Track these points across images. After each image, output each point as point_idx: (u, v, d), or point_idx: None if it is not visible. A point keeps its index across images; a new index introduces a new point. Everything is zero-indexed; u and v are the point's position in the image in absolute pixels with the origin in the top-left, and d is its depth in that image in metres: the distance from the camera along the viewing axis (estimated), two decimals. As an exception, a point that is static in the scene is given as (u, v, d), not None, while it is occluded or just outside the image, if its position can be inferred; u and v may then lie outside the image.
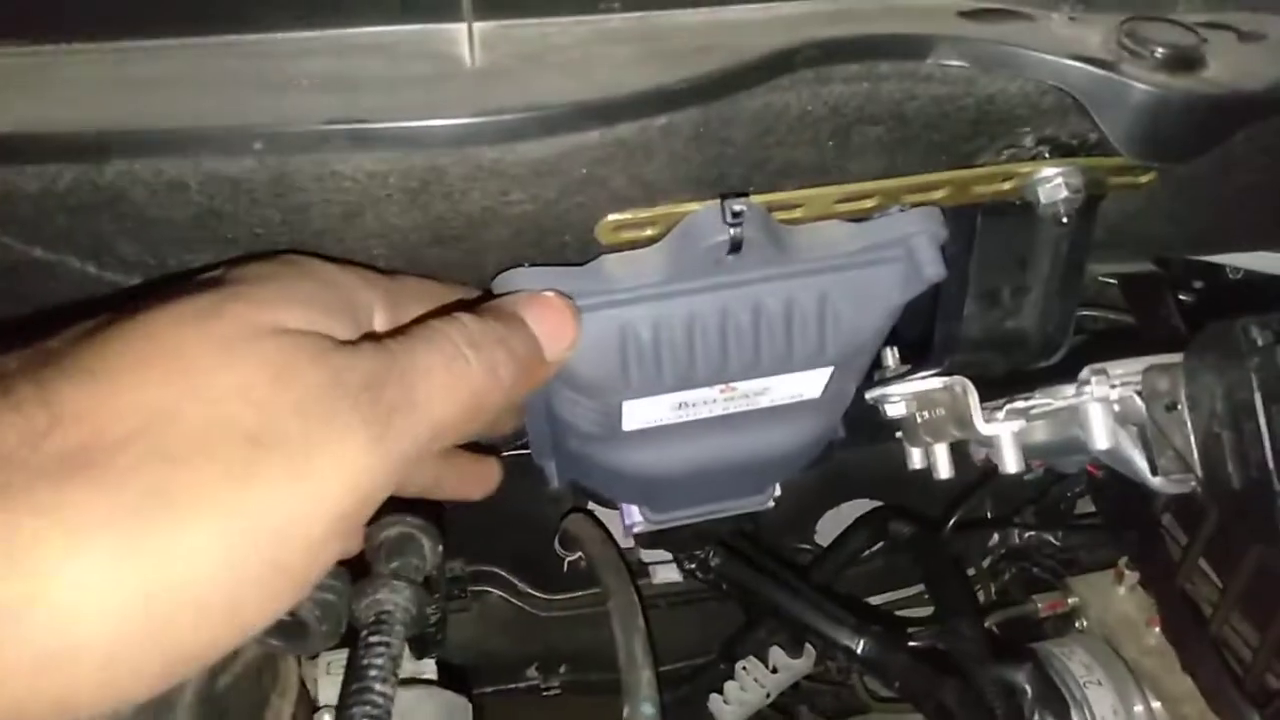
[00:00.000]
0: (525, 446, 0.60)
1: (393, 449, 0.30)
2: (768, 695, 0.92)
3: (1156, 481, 0.44)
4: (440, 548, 0.46)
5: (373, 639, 0.40)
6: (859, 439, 0.87)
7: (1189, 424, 0.43)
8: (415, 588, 0.43)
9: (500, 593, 0.95)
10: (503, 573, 0.95)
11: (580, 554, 0.84)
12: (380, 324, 0.35)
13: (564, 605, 0.95)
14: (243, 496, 0.26)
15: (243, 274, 0.32)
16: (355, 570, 0.46)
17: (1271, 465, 0.38)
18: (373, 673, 0.39)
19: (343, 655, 0.51)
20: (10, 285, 0.36)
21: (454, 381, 0.32)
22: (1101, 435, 0.45)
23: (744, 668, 0.92)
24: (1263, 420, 0.38)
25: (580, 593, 0.94)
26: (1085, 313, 0.68)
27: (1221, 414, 0.41)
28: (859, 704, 1.04)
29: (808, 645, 0.93)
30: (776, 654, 0.92)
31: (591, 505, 0.81)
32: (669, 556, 0.88)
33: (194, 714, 0.38)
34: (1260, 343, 0.38)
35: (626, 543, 0.79)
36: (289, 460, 0.27)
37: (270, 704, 0.43)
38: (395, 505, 0.49)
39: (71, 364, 0.27)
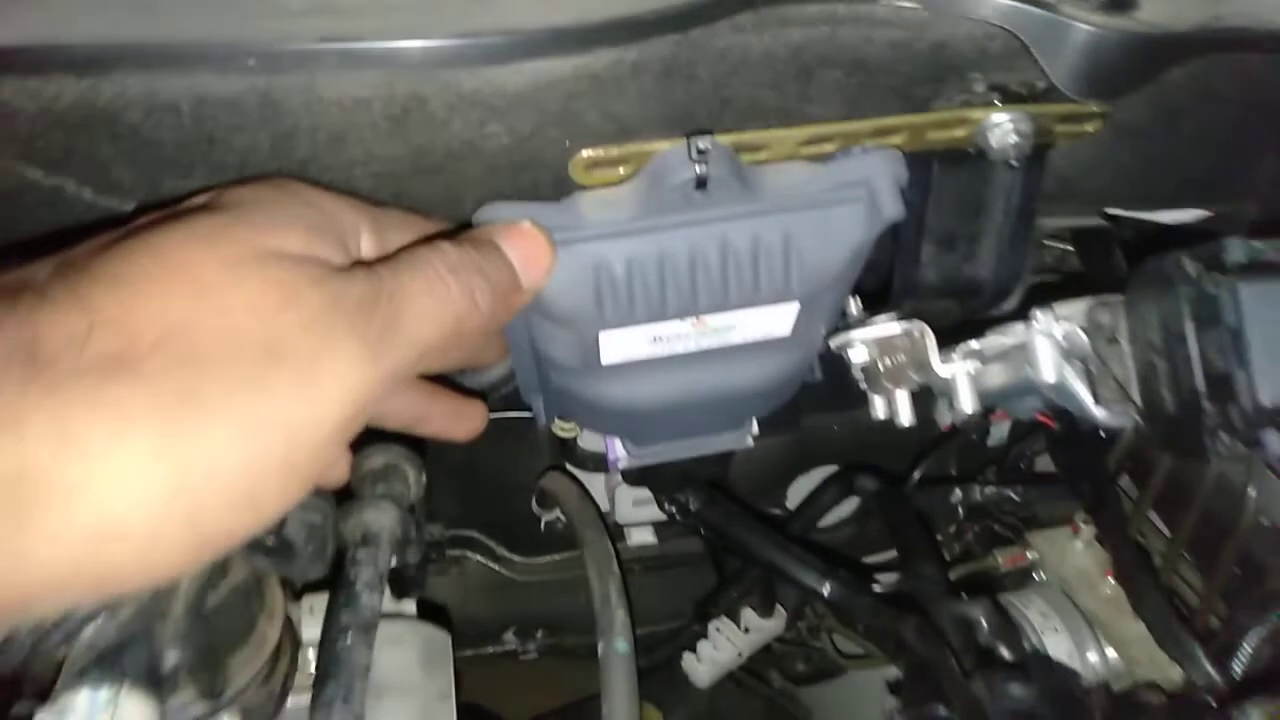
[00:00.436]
0: (508, 406, 0.62)
1: (384, 365, 0.32)
2: (740, 654, 0.95)
3: (1099, 412, 0.47)
4: (423, 477, 0.48)
5: (360, 554, 0.42)
6: (830, 405, 0.90)
7: (1128, 354, 0.45)
8: (401, 510, 0.45)
9: (478, 557, 0.97)
10: (480, 537, 0.96)
11: (558, 513, 0.86)
12: (367, 250, 0.37)
13: (541, 569, 0.97)
14: (260, 401, 0.29)
15: (241, 198, 0.33)
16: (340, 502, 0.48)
17: (1201, 387, 0.41)
18: (359, 584, 0.40)
19: (325, 597, 0.53)
20: (9, 211, 0.38)
21: (436, 305, 0.35)
22: (1048, 368, 0.47)
23: (717, 628, 0.94)
24: (1193, 345, 0.41)
25: (558, 556, 0.96)
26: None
27: (1157, 343, 0.43)
28: (829, 666, 1.07)
29: (778, 607, 0.96)
30: (748, 615, 0.95)
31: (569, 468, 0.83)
32: (646, 519, 0.90)
33: (183, 628, 0.40)
34: (1191, 273, 0.41)
35: (614, 480, 0.81)
36: (297, 372, 0.30)
37: (257, 626, 0.45)
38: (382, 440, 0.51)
39: (101, 272, 0.29)
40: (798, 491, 0.99)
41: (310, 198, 0.35)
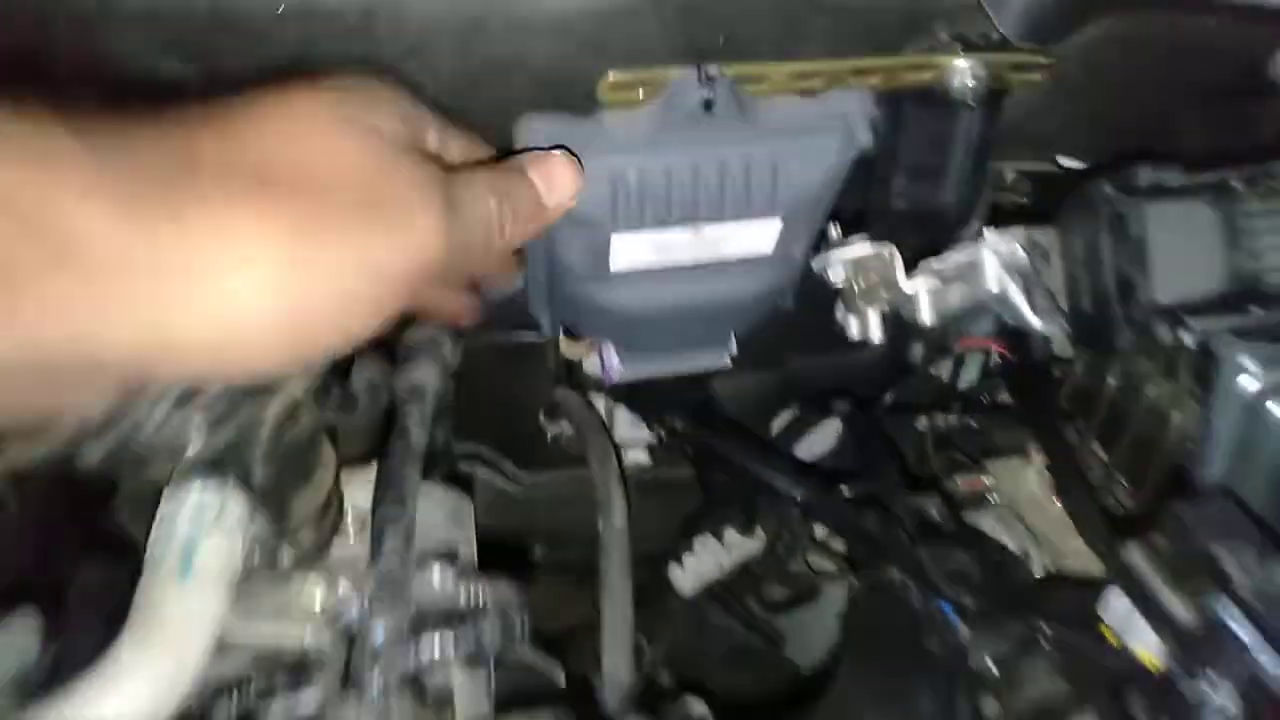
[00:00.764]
0: (517, 325, 0.69)
1: (454, 232, 0.40)
2: (720, 567, 1.04)
3: (1034, 318, 0.56)
4: (459, 349, 0.57)
5: (410, 403, 0.50)
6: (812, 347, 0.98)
7: (1058, 269, 0.54)
8: (443, 369, 0.53)
9: (485, 471, 1.05)
10: (488, 452, 1.05)
11: (563, 428, 0.94)
12: (433, 148, 0.45)
13: (546, 485, 1.06)
14: (364, 238, 0.36)
15: (352, 83, 0.41)
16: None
17: (1112, 289, 0.50)
18: (411, 423, 0.49)
19: (367, 469, 0.61)
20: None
21: (479, 214, 0.43)
22: (993, 280, 0.56)
23: (701, 543, 1.03)
24: (1108, 255, 0.50)
25: (561, 472, 1.04)
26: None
27: (1080, 256, 0.52)
28: (803, 591, 1.16)
29: (758, 528, 1.05)
30: (730, 534, 1.04)
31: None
32: (640, 440, 0.98)
33: (266, 455, 0.48)
34: (1110, 196, 0.50)
35: (612, 403, 0.90)
36: (394, 220, 0.37)
37: (317, 472, 0.54)
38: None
39: (246, 114, 0.36)
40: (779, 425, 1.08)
41: (401, 95, 0.44)
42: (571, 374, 0.90)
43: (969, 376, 1.00)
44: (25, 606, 0.42)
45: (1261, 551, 0.43)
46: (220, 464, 0.45)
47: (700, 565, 1.04)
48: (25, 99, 0.31)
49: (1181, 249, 0.47)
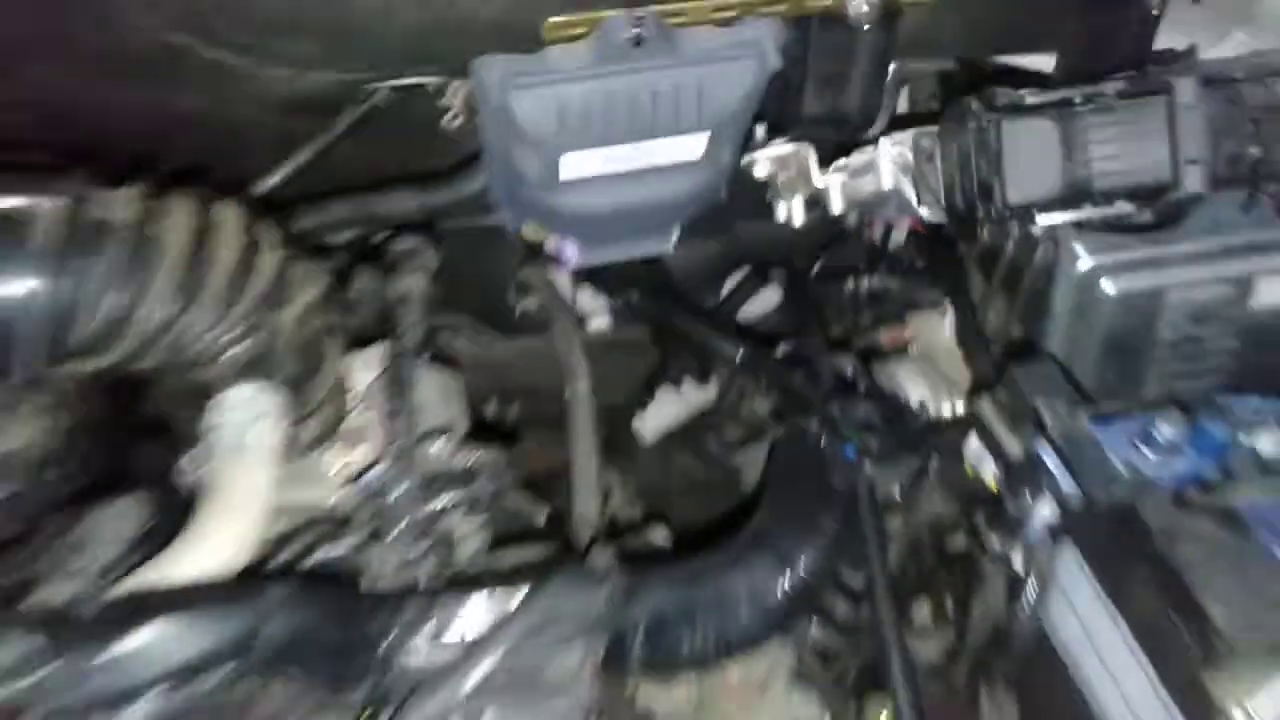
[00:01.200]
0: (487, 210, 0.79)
1: None
2: (678, 416, 1.18)
3: (922, 210, 0.66)
4: (439, 255, 0.67)
5: (402, 307, 0.61)
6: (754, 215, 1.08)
7: (940, 170, 0.64)
8: (428, 276, 0.64)
9: (463, 338, 1.17)
10: (465, 322, 1.16)
11: (531, 301, 1.05)
12: None
13: (515, 349, 1.18)
14: None
15: None
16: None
17: (975, 190, 0.60)
18: (403, 324, 0.60)
19: (367, 354, 0.72)
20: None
21: None
22: (887, 179, 0.66)
23: (661, 394, 1.17)
24: (974, 163, 0.60)
25: (533, 338, 1.16)
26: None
27: (955, 161, 0.62)
28: (753, 432, 1.31)
29: (712, 379, 1.18)
30: (687, 385, 1.17)
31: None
32: (600, 309, 1.10)
33: (289, 352, 0.59)
34: (975, 110, 0.59)
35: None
36: None
37: (326, 363, 0.65)
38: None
39: None
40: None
41: None
42: (533, 253, 1.00)
43: (897, 239, 1.11)
44: (136, 488, 0.53)
45: (1070, 403, 0.56)
46: (257, 363, 0.56)
47: (660, 413, 1.18)
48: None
49: (1029, 158, 0.57)
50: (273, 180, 0.69)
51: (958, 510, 0.74)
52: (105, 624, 0.41)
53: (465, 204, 0.79)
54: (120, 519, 0.50)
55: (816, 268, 1.01)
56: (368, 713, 0.46)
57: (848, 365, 0.82)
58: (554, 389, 0.92)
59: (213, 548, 0.48)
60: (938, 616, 0.74)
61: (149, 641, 0.41)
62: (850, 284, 1.03)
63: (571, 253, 0.80)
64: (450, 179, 0.76)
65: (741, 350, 0.90)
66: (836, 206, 0.72)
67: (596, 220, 0.73)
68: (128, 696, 0.41)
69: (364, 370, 0.69)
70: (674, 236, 0.81)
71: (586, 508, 0.75)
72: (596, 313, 1.13)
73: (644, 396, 1.19)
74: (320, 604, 0.46)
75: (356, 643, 0.47)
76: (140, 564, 0.47)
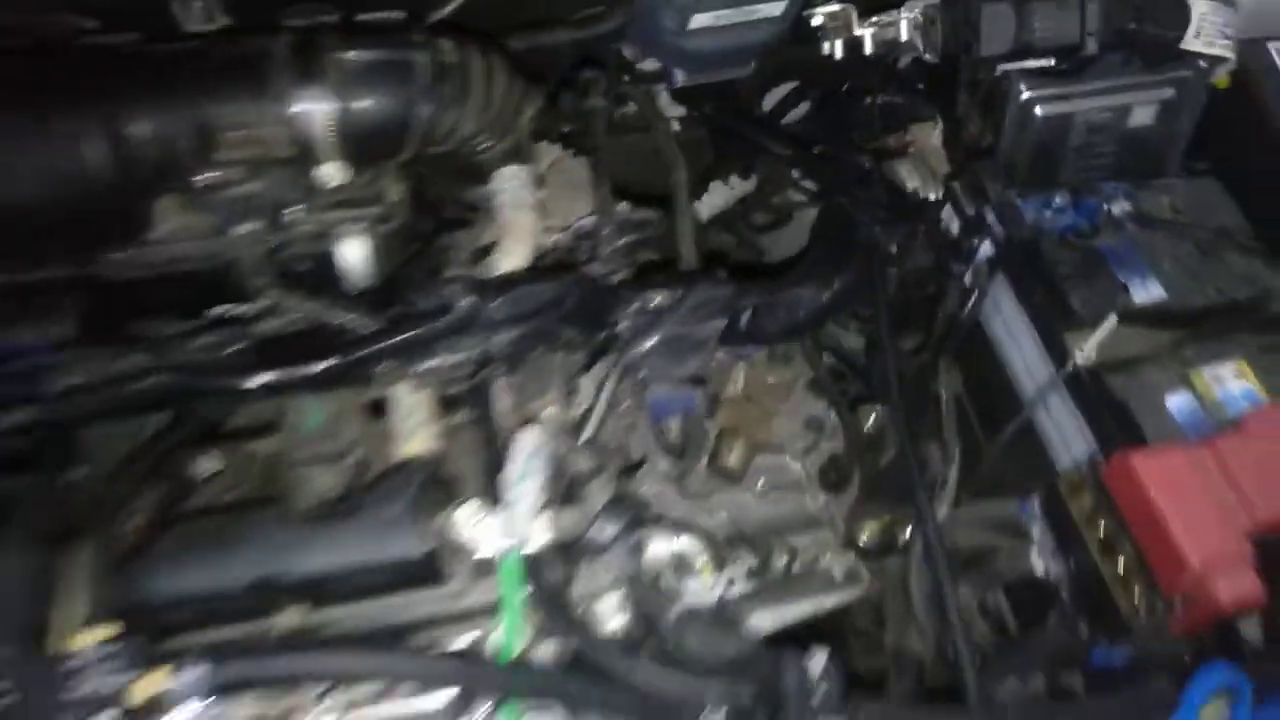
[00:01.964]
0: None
1: None
2: (726, 201, 1.54)
3: (926, 56, 1.01)
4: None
5: (591, 119, 0.96)
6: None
7: (939, 30, 0.98)
8: (608, 95, 0.99)
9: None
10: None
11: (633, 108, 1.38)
12: None
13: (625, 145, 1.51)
14: None
15: None
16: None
17: (959, 45, 0.95)
18: (596, 125, 0.95)
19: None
20: None
21: None
22: (904, 32, 1.00)
23: (714, 186, 1.53)
24: (959, 27, 0.94)
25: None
26: None
27: (949, 26, 0.96)
28: (780, 216, 1.68)
29: (754, 175, 1.53)
30: (734, 179, 1.52)
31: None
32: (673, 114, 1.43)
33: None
34: (964, -5, 0.93)
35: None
36: None
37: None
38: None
39: None
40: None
41: None
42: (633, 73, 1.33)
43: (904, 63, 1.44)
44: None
45: (1006, 185, 0.93)
46: (513, 153, 0.92)
47: (712, 200, 1.55)
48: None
49: (994, 27, 0.91)
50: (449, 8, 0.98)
51: (933, 259, 1.13)
52: (486, 288, 0.79)
53: (606, 38, 1.11)
54: (461, 249, 0.88)
55: (845, 87, 1.35)
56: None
57: (865, 161, 1.19)
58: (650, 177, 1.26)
59: (516, 256, 0.86)
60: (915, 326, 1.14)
61: (510, 298, 0.79)
62: (867, 100, 1.38)
63: (679, 76, 1.13)
64: (597, 20, 1.08)
65: (790, 148, 1.26)
66: (868, 49, 1.06)
67: (703, 55, 1.07)
68: (498, 328, 0.80)
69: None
70: (751, 65, 1.15)
71: (690, 255, 1.13)
72: (671, 116, 1.47)
73: (699, 188, 1.55)
74: (583, 287, 0.85)
75: (604, 311, 0.86)
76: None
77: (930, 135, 1.37)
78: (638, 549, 0.86)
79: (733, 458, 1.14)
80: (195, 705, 0.64)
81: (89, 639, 0.65)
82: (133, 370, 0.71)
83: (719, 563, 0.98)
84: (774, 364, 1.24)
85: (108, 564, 0.68)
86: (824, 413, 1.34)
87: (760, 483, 1.13)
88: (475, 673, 0.70)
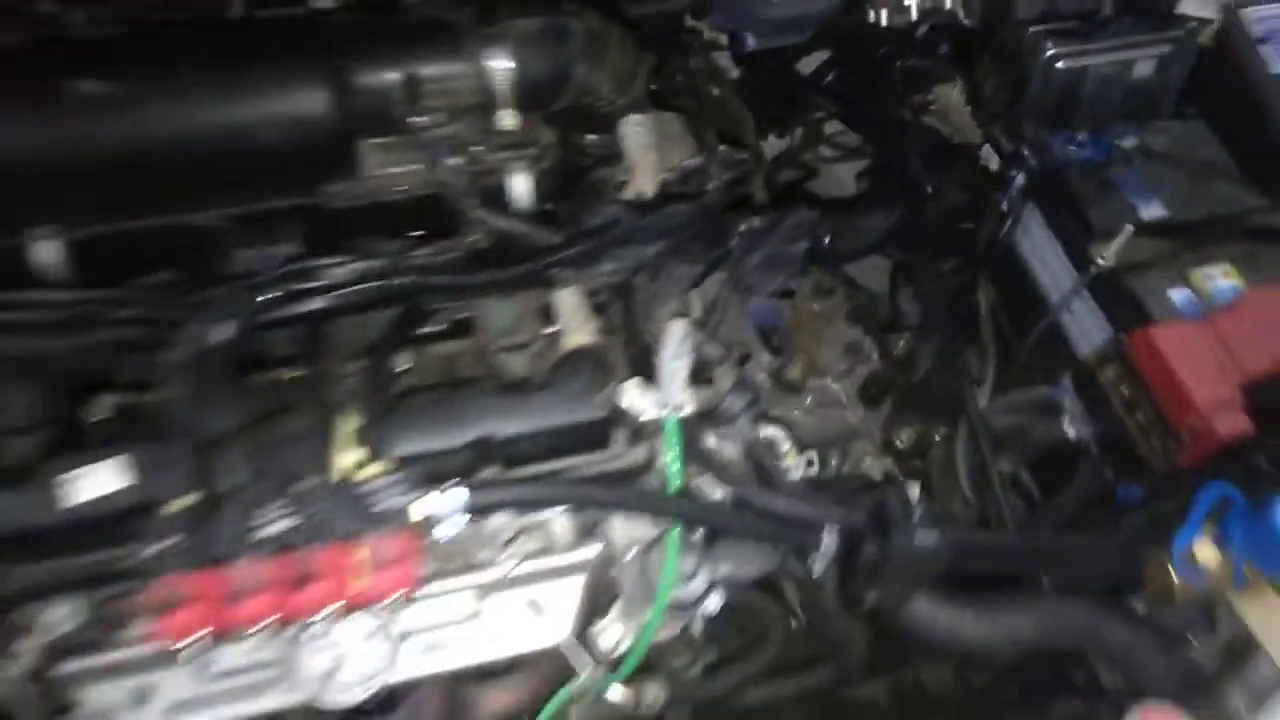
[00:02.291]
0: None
1: None
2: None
3: (965, 20, 1.21)
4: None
5: (685, 79, 1.16)
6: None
7: (979, -1, 1.19)
8: (704, 58, 1.18)
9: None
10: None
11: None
12: None
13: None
14: None
15: None
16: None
17: (994, 11, 1.15)
18: (699, 84, 1.15)
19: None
20: None
21: None
22: (947, 1, 1.21)
23: (759, 141, 1.72)
24: (1000, -4, 1.15)
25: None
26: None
27: (988, -6, 1.17)
28: (809, 172, 1.88)
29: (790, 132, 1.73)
30: (770, 138, 1.72)
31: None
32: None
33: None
34: (1002, -32, 1.13)
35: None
36: None
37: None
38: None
39: None
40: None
41: None
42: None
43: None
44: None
45: (1036, 127, 1.14)
46: (632, 106, 1.11)
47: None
48: None
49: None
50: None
51: (968, 197, 1.34)
52: (637, 211, 0.99)
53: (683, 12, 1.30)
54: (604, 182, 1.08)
55: (881, 51, 1.55)
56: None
57: (906, 113, 1.39)
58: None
59: (647, 188, 1.05)
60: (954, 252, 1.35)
61: (655, 219, 1.00)
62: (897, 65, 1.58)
63: (750, 40, 1.33)
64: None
65: (831, 104, 1.46)
66: (913, 15, 1.27)
67: (776, 22, 1.27)
68: (646, 243, 1.00)
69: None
70: (807, 34, 1.35)
71: (761, 193, 1.33)
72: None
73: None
74: (706, 212, 1.05)
75: (720, 232, 1.06)
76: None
77: (951, 95, 1.58)
78: (754, 424, 1.06)
79: (795, 371, 1.34)
80: (459, 520, 0.84)
81: (375, 470, 0.84)
82: (379, 271, 0.90)
83: (800, 448, 1.20)
84: (818, 296, 1.45)
85: (366, 424, 0.88)
86: (861, 339, 1.56)
87: (809, 400, 1.34)
88: (668, 503, 0.90)
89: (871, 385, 1.45)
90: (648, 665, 1.15)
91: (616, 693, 1.15)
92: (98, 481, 0.86)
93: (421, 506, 0.82)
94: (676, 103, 1.26)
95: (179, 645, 0.79)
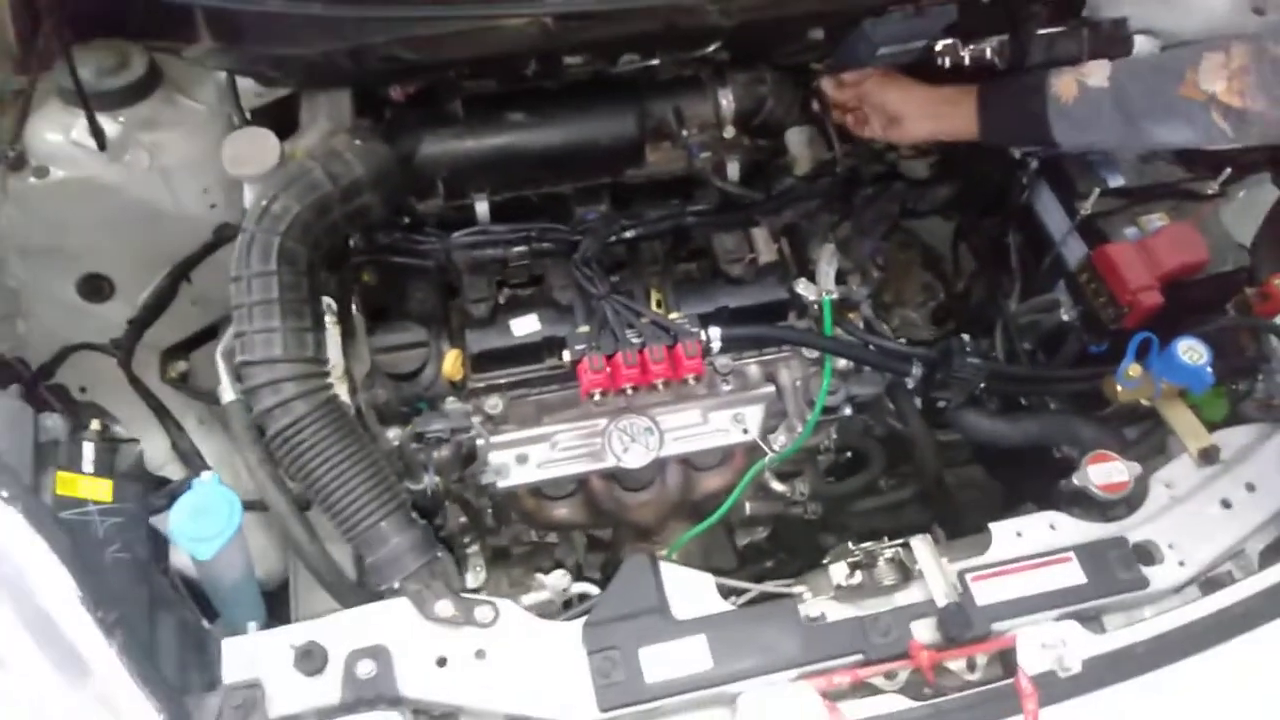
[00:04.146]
0: None
1: None
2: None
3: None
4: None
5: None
6: None
7: None
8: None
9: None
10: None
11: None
12: None
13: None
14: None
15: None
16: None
17: None
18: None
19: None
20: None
21: None
22: None
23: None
24: None
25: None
26: None
27: None
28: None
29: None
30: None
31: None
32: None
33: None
34: None
35: None
36: None
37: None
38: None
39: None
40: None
41: None
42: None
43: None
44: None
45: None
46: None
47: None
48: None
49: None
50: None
51: (1001, 175, 2.04)
52: (804, 179, 1.73)
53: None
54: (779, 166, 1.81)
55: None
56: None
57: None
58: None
59: (805, 168, 1.78)
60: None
61: (811, 186, 1.73)
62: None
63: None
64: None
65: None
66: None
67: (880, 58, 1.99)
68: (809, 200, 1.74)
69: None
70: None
71: (868, 172, 2.05)
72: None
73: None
74: (839, 181, 1.78)
75: (849, 195, 1.80)
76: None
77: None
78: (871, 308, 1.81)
79: (888, 295, 2.09)
80: (717, 344, 1.58)
81: (675, 315, 1.60)
82: (665, 215, 1.67)
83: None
84: (902, 249, 2.18)
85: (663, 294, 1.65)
86: (932, 280, 2.28)
87: (896, 322, 2.07)
88: (827, 341, 1.65)
89: (939, 311, 2.19)
90: (798, 469, 1.89)
91: (778, 484, 1.89)
92: (524, 324, 1.64)
93: (707, 334, 1.58)
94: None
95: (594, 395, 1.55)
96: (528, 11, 1.47)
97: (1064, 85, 1.58)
